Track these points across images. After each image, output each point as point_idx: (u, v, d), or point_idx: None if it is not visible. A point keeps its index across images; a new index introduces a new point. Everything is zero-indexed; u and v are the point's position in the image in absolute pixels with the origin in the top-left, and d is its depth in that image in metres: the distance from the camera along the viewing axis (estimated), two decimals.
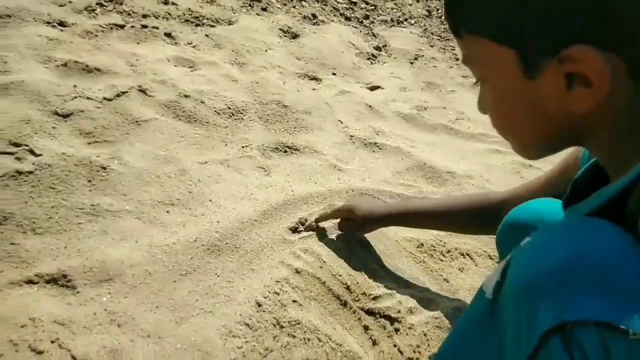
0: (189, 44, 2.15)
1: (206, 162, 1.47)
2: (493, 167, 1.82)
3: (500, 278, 0.52)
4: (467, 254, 1.38)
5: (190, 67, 1.96)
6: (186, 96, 1.73)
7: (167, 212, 1.24)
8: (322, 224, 1.30)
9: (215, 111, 1.73)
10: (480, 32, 0.52)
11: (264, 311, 1.06)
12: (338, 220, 1.29)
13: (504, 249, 0.96)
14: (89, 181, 1.27)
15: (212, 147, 1.57)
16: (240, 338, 0.99)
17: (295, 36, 2.64)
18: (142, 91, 1.68)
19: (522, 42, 0.49)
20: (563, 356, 0.39)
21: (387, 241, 1.35)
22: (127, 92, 1.65)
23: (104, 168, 1.31)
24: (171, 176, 1.36)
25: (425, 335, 1.11)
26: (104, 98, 1.58)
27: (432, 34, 3.54)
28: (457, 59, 3.19)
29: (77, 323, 0.93)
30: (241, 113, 1.79)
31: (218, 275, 1.11)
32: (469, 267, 1.35)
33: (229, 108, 1.77)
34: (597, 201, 0.52)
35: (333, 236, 1.29)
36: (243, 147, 1.61)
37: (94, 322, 0.94)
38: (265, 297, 1.09)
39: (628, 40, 0.45)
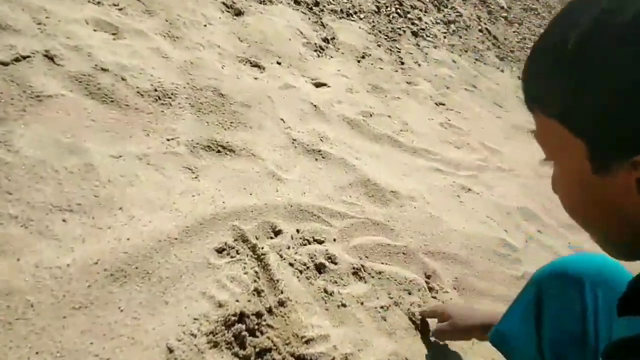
0: (114, 5, 1.82)
1: (120, 156, 1.23)
2: (434, 187, 1.76)
3: None
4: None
5: (114, 34, 1.66)
6: (104, 70, 1.45)
7: (64, 220, 0.99)
8: None
9: (137, 92, 1.47)
10: (551, 113, 0.48)
11: (175, 358, 0.88)
12: None
13: (546, 297, 0.86)
14: None
15: (130, 137, 1.32)
16: None
17: (239, 13, 2.38)
18: (50, 58, 1.37)
19: (589, 133, 0.45)
20: None
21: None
22: (29, 56, 1.34)
23: None
24: (74, 172, 1.11)
25: None
26: None
27: (380, 32, 3.43)
28: (402, 63, 3.12)
29: None
30: (169, 98, 1.54)
31: (121, 310, 0.90)
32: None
33: (156, 90, 1.52)
34: None
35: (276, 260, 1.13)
36: (168, 140, 1.38)
37: None
38: (178, 340, 0.91)
39: None
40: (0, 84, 1.21)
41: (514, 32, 6.24)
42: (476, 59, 4.25)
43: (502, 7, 7.07)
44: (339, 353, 1.02)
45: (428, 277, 1.35)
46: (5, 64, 1.27)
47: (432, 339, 1.18)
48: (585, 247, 1.79)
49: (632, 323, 0.50)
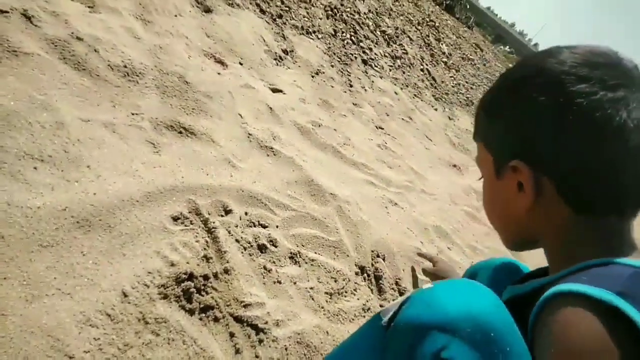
0: None
1: (89, 121, 1.30)
2: (366, 197, 1.97)
3: (397, 309, 0.62)
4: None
5: (90, 7, 1.71)
6: (79, 38, 1.51)
7: (35, 168, 1.06)
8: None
9: (108, 65, 1.55)
10: (479, 139, 0.76)
11: (129, 302, 0.98)
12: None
13: None
14: None
15: (98, 105, 1.40)
16: (99, 329, 0.90)
17: (208, 10, 2.50)
18: (27, 17, 1.42)
19: (493, 147, 0.72)
20: None
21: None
22: (7, 12, 1.37)
23: None
24: (45, 127, 1.17)
25: (286, 349, 1.14)
26: None
27: (334, 54, 3.67)
28: (351, 86, 3.37)
29: None
30: (137, 76, 1.62)
31: (84, 255, 0.99)
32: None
33: (125, 67, 1.60)
34: (524, 288, 0.68)
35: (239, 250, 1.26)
36: (133, 115, 1.47)
37: None
38: (133, 288, 1.01)
39: (550, 165, 0.60)
40: None
41: (450, 76, 6.82)
42: (415, 95, 4.62)
43: (444, 53, 7.69)
44: (272, 318, 1.17)
45: (360, 270, 1.54)
46: None
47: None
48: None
49: (509, 289, 0.73)
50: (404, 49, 5.56)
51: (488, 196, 0.76)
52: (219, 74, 2.04)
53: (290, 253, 1.41)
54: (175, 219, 1.22)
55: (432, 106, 4.79)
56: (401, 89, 4.39)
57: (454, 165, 3.45)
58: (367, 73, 3.92)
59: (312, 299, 1.34)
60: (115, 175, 1.20)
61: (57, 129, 1.19)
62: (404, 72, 4.93)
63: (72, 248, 0.98)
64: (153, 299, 1.02)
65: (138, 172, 1.26)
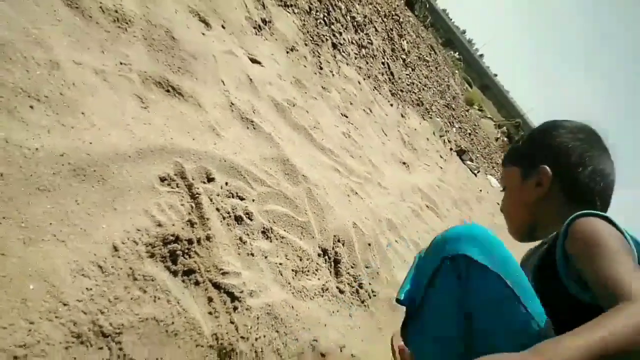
0: None
1: (81, 64, 1.26)
2: (332, 183, 2.05)
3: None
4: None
5: None
6: None
7: (31, 107, 1.02)
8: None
9: (100, 7, 1.48)
10: (509, 163, 1.20)
11: (119, 257, 0.99)
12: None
13: None
14: None
15: (88, 48, 1.34)
16: (91, 279, 0.92)
17: None
18: None
19: (520, 163, 1.15)
20: (449, 269, 0.88)
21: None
22: None
23: None
24: (41, 64, 1.12)
25: (258, 318, 1.21)
26: None
27: (308, 32, 3.68)
28: (321, 68, 3.41)
29: None
30: (127, 23, 1.56)
31: (78, 204, 0.98)
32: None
33: (116, 11, 1.53)
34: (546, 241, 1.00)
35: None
36: (122, 64, 1.42)
37: None
38: (123, 243, 1.02)
39: (562, 173, 1.02)
40: None
41: (407, 74, 7.04)
42: (375, 87, 4.75)
43: (403, 49, 7.89)
44: (247, 288, 1.23)
45: (322, 252, 1.62)
46: None
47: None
48: None
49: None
50: (370, 39, 5.65)
51: (511, 199, 1.16)
52: (203, 34, 2.00)
53: (263, 228, 1.47)
54: (162, 179, 1.23)
55: (389, 101, 4.95)
56: (364, 79, 4.49)
57: (404, 163, 3.64)
58: (335, 57, 3.96)
59: (281, 275, 1.41)
60: (109, 126, 1.18)
61: (52, 68, 1.14)
62: (367, 62, 5.03)
63: (68, 195, 0.97)
64: (141, 256, 1.03)
65: (129, 127, 1.24)
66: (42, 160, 0.95)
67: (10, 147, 0.92)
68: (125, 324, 0.92)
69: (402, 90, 5.95)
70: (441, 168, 4.95)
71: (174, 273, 1.09)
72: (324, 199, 1.84)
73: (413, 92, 6.68)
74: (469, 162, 7.01)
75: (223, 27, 2.29)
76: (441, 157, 5.53)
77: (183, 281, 1.10)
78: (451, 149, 6.86)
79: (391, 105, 4.93)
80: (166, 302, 1.02)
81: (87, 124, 1.12)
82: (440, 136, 6.60)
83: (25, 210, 0.88)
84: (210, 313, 1.11)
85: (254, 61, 2.32)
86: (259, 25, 2.76)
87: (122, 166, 1.13)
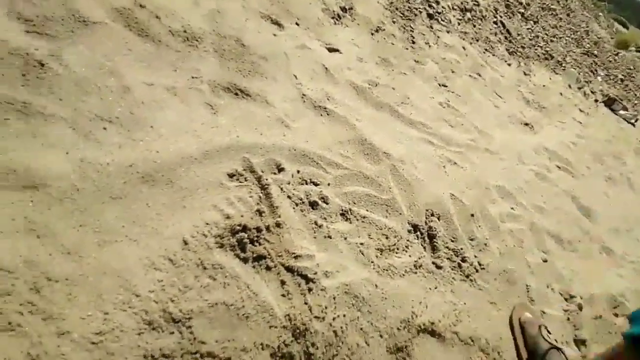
0: None
1: (152, 84, 1.40)
2: (423, 156, 1.94)
3: None
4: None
5: None
6: (142, 6, 1.60)
7: (104, 128, 1.17)
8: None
9: (169, 31, 1.63)
10: None
11: (189, 250, 1.07)
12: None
13: None
14: (23, 75, 1.15)
15: (160, 70, 1.49)
16: (162, 272, 1.00)
17: None
18: None
19: None
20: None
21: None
22: None
23: (42, 65, 1.19)
24: (113, 90, 1.28)
25: (334, 298, 1.20)
26: None
27: (397, 9, 3.54)
28: (414, 42, 3.26)
29: None
30: (197, 40, 1.69)
31: (149, 206, 1.09)
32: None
33: (185, 32, 1.67)
34: None
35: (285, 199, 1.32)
36: (193, 78, 1.55)
37: (12, 228, 0.89)
38: (192, 237, 1.10)
39: None
40: (52, 6, 1.36)
41: (528, 29, 6.32)
42: (486, 49, 4.37)
43: (521, 3, 7.11)
44: (321, 269, 1.23)
45: (413, 228, 1.55)
46: None
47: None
48: (546, 224, 2.00)
49: None
50: (475, 1, 5.22)
51: None
52: (274, 35, 2.06)
53: (342, 210, 1.45)
54: (230, 175, 1.30)
55: (506, 61, 4.51)
56: (470, 43, 4.16)
57: (526, 124, 3.27)
58: (432, 28, 3.75)
59: (362, 254, 1.38)
60: (176, 134, 1.29)
61: (124, 92, 1.29)
62: (474, 26, 4.66)
63: (138, 200, 1.09)
64: (210, 247, 1.11)
65: (197, 132, 1.34)
66: (112, 172, 1.09)
67: (85, 164, 1.07)
68: (195, 310, 0.99)
69: (523, 47, 5.36)
70: (580, 123, 4.32)
71: (244, 260, 1.14)
72: (412, 174, 1.74)
73: (538, 46, 5.97)
74: (622, 112, 5.98)
75: (297, 24, 2.33)
76: (581, 110, 4.83)
77: (253, 267, 1.15)
78: (596, 100, 5.94)
79: (509, 64, 4.47)
80: (236, 287, 1.08)
81: (156, 135, 1.24)
82: (579, 88, 5.76)
83: (99, 217, 1.01)
84: (283, 295, 1.14)
85: (331, 50, 2.32)
86: (338, 15, 2.75)
87: (189, 168, 1.22)
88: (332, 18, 2.68)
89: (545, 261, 1.84)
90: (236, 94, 1.59)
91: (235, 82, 1.62)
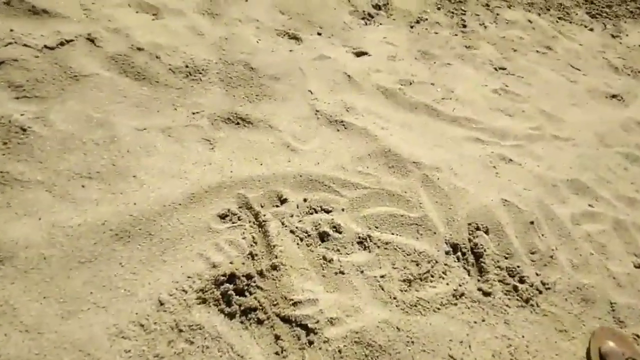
0: None
1: (144, 129, 1.34)
2: (467, 158, 1.67)
3: None
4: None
5: (154, 14, 1.78)
6: (139, 49, 1.57)
7: (83, 186, 1.13)
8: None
9: (169, 69, 1.58)
10: None
11: (164, 311, 0.97)
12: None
13: None
14: (4, 144, 1.16)
15: (158, 111, 1.44)
16: (131, 340, 0.91)
17: None
18: (91, 40, 1.52)
19: None
20: None
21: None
22: (73, 40, 1.49)
23: (24, 130, 1.19)
24: (99, 143, 1.24)
25: (339, 352, 1.02)
26: (45, 46, 1.43)
27: None
28: (465, 26, 2.93)
29: None
30: (200, 73, 1.63)
31: (122, 266, 1.01)
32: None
33: (187, 66, 1.62)
34: None
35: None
36: (193, 114, 1.47)
37: None
38: (170, 295, 1.00)
39: None
40: (45, 67, 1.38)
41: None
42: (559, 18, 3.85)
43: None
44: (324, 317, 1.05)
45: (452, 248, 1.31)
46: (51, 48, 1.43)
47: None
48: (639, 220, 1.60)
49: None
50: None
51: None
52: (290, 51, 1.94)
53: (359, 238, 1.26)
54: (222, 217, 1.19)
55: (586, 26, 3.92)
56: (539, 14, 3.69)
57: (613, 96, 2.76)
58: (488, 6, 3.37)
59: (382, 289, 1.18)
60: (161, 180, 1.21)
61: (110, 143, 1.25)
62: None
63: (110, 261, 1.01)
64: (190, 305, 1.00)
65: (185, 174, 1.25)
66: (83, 233, 1.03)
67: (55, 229, 1.02)
68: None
69: (609, 5, 4.65)
70: None
71: (230, 315, 1.01)
72: (450, 182, 1.49)
73: (630, 1, 5.15)
74: None
75: (319, 33, 2.19)
76: None
77: (241, 322, 1.01)
78: None
79: (590, 30, 3.88)
80: (216, 350, 0.95)
81: (137, 185, 1.17)
82: None
83: (65, 286, 0.95)
84: (277, 354, 0.99)
85: (359, 54, 2.13)
86: (369, 14, 2.56)
87: (171, 217, 1.13)
88: (362, 19, 2.49)
89: (637, 267, 1.46)
90: (237, 123, 1.48)
91: (237, 110, 1.52)
